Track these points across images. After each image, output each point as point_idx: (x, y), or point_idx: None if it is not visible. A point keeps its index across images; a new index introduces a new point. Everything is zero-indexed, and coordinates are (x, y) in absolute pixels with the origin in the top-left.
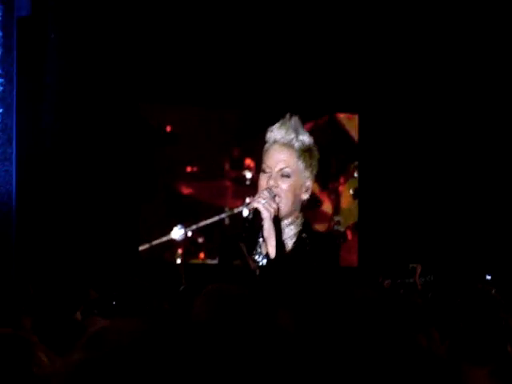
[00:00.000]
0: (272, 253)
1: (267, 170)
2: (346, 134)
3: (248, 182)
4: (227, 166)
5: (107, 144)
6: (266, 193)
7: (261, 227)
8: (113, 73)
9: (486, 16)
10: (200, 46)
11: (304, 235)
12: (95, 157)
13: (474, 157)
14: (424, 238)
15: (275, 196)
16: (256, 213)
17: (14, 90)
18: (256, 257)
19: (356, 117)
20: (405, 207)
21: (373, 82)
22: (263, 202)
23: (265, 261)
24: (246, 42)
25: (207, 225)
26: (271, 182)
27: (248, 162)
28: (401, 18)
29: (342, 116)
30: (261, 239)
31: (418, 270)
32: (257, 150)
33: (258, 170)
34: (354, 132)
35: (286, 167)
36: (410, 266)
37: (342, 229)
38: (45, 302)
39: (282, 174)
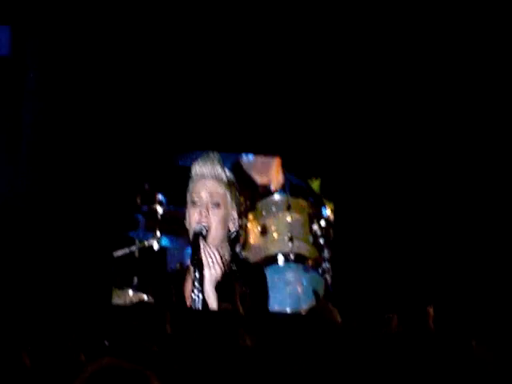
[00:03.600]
0: (212, 304)
1: (198, 203)
2: (249, 177)
3: (159, 217)
4: (138, 201)
5: (82, 185)
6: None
7: (199, 261)
8: (93, 114)
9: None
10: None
11: (234, 268)
12: (69, 197)
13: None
14: (400, 285)
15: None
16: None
17: None
18: (194, 292)
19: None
20: (380, 256)
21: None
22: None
23: (200, 296)
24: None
25: (118, 256)
26: (203, 213)
27: (159, 197)
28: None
29: (245, 160)
30: (197, 273)
31: (395, 321)
32: (168, 185)
33: (171, 204)
34: (257, 176)
35: (216, 197)
36: (386, 316)
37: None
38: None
39: (213, 204)
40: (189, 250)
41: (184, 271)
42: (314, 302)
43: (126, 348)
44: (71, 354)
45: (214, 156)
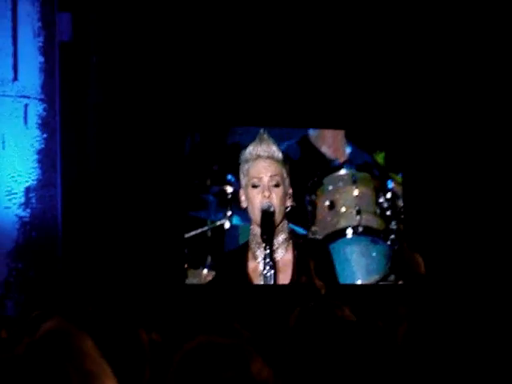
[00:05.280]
0: (284, 279)
1: (258, 184)
2: (316, 150)
3: (229, 196)
4: (208, 182)
5: (151, 167)
6: None
7: (270, 238)
8: (157, 97)
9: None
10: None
11: (301, 241)
12: (140, 180)
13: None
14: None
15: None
16: (268, 219)
17: (58, 115)
18: (266, 268)
19: (330, 132)
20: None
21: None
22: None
23: (272, 272)
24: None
25: (190, 237)
26: (266, 194)
27: (228, 177)
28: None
29: (312, 133)
30: (269, 250)
31: None
32: (235, 166)
33: (238, 184)
34: (325, 148)
35: (276, 177)
36: None
37: (319, 237)
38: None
39: (274, 185)
40: (243, 228)
41: (244, 249)
42: (387, 270)
43: (201, 325)
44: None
45: (267, 135)
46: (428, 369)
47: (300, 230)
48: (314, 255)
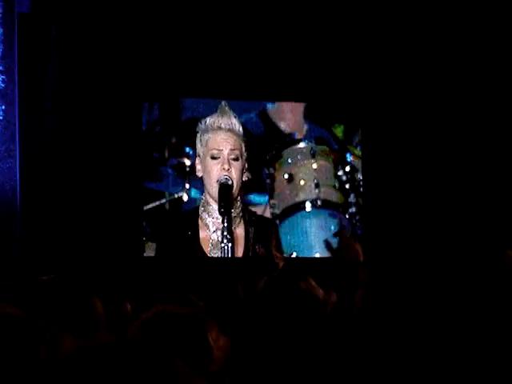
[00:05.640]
0: (240, 252)
1: (217, 155)
2: (274, 125)
3: (187, 169)
4: (166, 154)
5: (110, 139)
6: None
7: (228, 211)
8: (115, 69)
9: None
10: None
11: (253, 216)
12: (98, 152)
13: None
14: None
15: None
16: (226, 193)
17: (16, 87)
18: (224, 241)
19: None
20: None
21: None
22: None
23: (229, 245)
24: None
25: (148, 209)
26: (226, 167)
27: (186, 149)
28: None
29: (270, 108)
30: (226, 223)
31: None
32: (193, 138)
33: (195, 154)
34: (283, 123)
35: (236, 151)
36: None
37: (277, 211)
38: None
39: (233, 158)
40: (201, 200)
41: (194, 216)
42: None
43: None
44: (115, 306)
45: (228, 107)
46: (385, 336)
47: (257, 200)
48: (265, 230)
